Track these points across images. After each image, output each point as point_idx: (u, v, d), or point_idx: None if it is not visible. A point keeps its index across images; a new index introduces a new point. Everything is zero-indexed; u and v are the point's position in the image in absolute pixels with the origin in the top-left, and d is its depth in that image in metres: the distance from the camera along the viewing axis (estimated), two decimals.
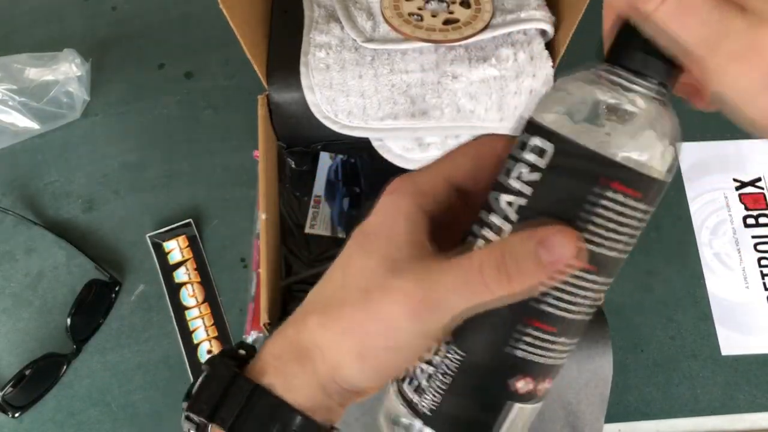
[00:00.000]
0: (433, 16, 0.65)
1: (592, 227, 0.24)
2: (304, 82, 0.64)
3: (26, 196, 0.73)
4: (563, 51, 0.63)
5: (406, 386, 0.27)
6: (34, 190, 0.74)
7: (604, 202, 0.24)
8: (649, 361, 0.65)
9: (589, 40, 0.87)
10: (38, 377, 0.64)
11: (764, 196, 0.72)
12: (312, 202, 0.69)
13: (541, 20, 0.63)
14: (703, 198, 0.72)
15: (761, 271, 0.68)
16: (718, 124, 0.76)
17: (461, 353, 0.25)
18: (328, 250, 0.67)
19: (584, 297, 0.25)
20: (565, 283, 0.24)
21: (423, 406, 0.26)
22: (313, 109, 0.65)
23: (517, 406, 0.26)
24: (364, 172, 0.70)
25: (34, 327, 0.67)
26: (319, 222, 0.69)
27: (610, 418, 0.61)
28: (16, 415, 0.63)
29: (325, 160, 0.71)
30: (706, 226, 0.71)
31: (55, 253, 0.70)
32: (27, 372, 0.63)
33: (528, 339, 0.25)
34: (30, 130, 0.75)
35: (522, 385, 0.25)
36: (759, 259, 0.69)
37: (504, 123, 0.66)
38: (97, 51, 0.80)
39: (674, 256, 0.69)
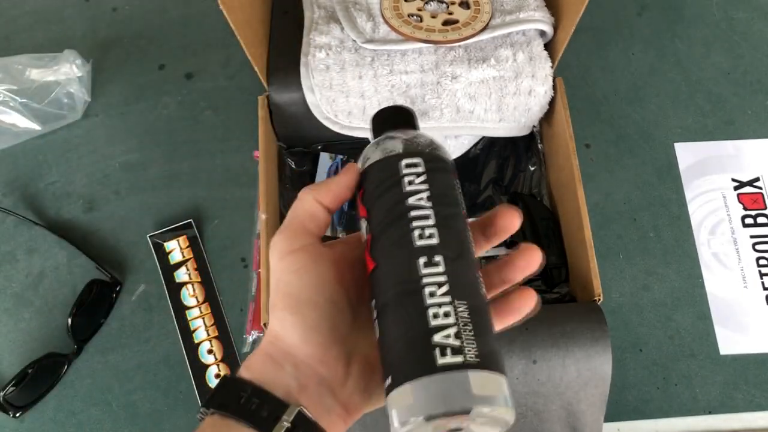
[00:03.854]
0: (433, 17, 0.65)
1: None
2: (304, 82, 0.64)
3: (27, 197, 0.73)
4: (562, 51, 0.63)
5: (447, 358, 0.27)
6: (35, 191, 0.74)
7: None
8: (648, 361, 0.65)
9: (588, 41, 0.88)
10: (39, 377, 0.64)
11: (762, 195, 0.72)
12: None
13: (540, 21, 0.63)
14: (701, 198, 0.72)
15: (760, 271, 0.69)
16: (716, 124, 0.76)
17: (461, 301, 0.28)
18: None
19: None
20: None
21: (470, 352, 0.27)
22: (313, 109, 0.65)
23: None
24: None
25: (36, 327, 0.68)
26: None
27: (610, 418, 0.61)
28: (18, 414, 0.63)
29: (325, 161, 0.71)
30: (705, 226, 0.71)
31: (56, 253, 0.71)
32: (28, 372, 0.63)
33: None
34: (31, 131, 0.75)
35: None
36: (757, 259, 0.69)
37: (503, 123, 0.67)
38: (98, 52, 0.80)
39: (673, 256, 0.69)
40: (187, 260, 0.70)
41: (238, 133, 0.76)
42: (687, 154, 0.74)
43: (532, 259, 0.32)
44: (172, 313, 0.67)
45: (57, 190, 0.74)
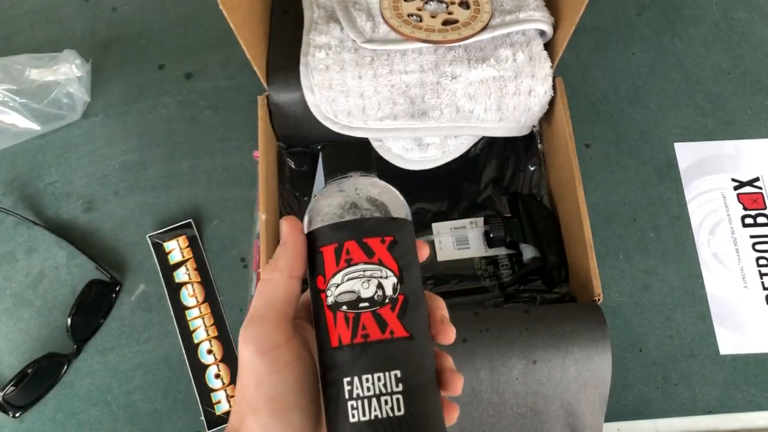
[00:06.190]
0: (432, 16, 0.65)
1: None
2: (303, 82, 0.64)
3: (27, 197, 0.73)
4: (562, 51, 0.63)
5: None
6: (35, 191, 0.74)
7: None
8: (648, 361, 0.65)
9: (588, 41, 0.88)
10: (39, 377, 0.64)
11: (762, 195, 0.72)
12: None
13: (540, 21, 0.63)
14: (701, 198, 0.72)
15: (759, 271, 0.69)
16: (715, 124, 0.76)
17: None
18: None
19: None
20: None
21: None
22: (312, 109, 0.65)
23: None
24: None
25: (35, 327, 0.68)
26: None
27: (609, 418, 0.61)
28: (17, 414, 0.63)
29: None
30: (705, 226, 0.71)
31: (55, 253, 0.71)
32: (28, 372, 0.63)
33: None
34: (30, 131, 0.75)
35: None
36: (757, 259, 0.69)
37: (503, 123, 0.66)
38: (98, 52, 0.80)
39: (672, 256, 0.69)
40: (187, 260, 0.70)
41: (238, 133, 0.76)
42: (687, 154, 0.74)
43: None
44: (172, 313, 0.67)
45: (56, 190, 0.74)
